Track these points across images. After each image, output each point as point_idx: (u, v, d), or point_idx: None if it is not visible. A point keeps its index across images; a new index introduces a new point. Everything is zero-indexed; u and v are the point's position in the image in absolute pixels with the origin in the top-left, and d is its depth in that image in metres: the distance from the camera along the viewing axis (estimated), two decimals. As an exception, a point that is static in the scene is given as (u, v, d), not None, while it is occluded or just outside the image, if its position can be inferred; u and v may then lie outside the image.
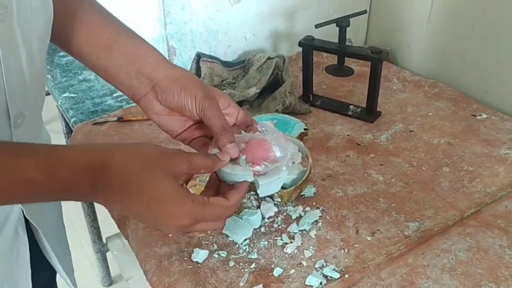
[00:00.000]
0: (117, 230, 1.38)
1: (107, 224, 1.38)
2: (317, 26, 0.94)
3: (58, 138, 1.22)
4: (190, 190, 0.49)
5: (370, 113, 0.96)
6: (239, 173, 0.53)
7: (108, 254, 1.59)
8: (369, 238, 0.68)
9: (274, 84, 1.00)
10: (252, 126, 0.59)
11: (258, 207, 0.73)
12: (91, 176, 0.42)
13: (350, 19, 0.97)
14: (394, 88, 1.09)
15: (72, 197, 0.44)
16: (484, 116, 0.96)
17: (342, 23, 0.94)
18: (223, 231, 0.69)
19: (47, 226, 0.62)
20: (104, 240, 1.56)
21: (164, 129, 0.59)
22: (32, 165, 0.40)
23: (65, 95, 1.06)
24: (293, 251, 0.66)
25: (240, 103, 0.95)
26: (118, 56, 0.57)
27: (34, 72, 0.51)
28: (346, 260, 0.65)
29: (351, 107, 0.99)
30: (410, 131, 0.93)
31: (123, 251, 1.56)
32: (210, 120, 0.54)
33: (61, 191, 0.42)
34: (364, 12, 1.01)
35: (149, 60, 0.57)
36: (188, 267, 0.64)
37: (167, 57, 0.64)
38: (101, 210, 1.37)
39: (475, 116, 0.97)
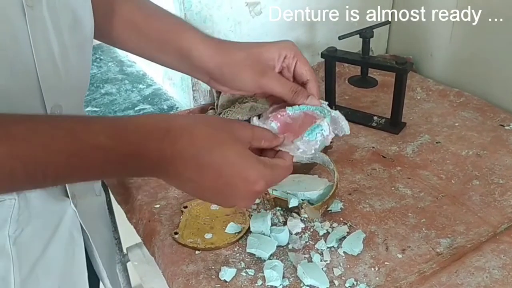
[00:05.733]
0: (138, 240, 1.38)
1: (128, 234, 1.38)
2: (340, 37, 0.93)
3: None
4: None
5: (394, 124, 0.95)
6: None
7: (129, 265, 1.60)
8: (399, 256, 0.67)
9: (296, 96, 0.99)
10: (308, 82, 0.56)
11: (285, 223, 0.72)
12: (157, 139, 0.40)
13: (373, 30, 0.95)
14: (418, 97, 1.07)
15: (140, 165, 0.41)
16: (513, 126, 0.94)
17: (365, 34, 0.93)
18: (247, 250, 0.68)
19: (97, 233, 0.63)
20: (124, 250, 1.57)
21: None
22: (100, 129, 0.40)
23: (88, 109, 1.07)
24: (322, 269, 0.65)
25: (260, 116, 0.95)
26: (172, 55, 0.59)
27: (68, 64, 0.51)
28: (377, 278, 0.63)
29: (375, 118, 0.98)
30: (436, 143, 0.91)
31: (144, 261, 1.56)
32: (274, 92, 0.55)
33: (129, 156, 0.40)
34: (388, 22, 0.99)
35: (195, 54, 0.57)
36: (216, 286, 0.63)
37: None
38: (122, 220, 1.38)
39: (503, 126, 0.95)
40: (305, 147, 0.50)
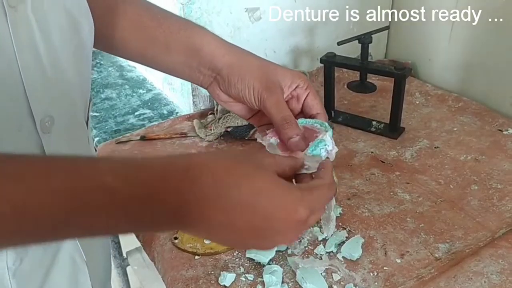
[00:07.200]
0: (137, 245, 1.39)
1: (127, 239, 1.38)
2: (339, 43, 0.94)
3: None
4: None
5: (393, 129, 0.95)
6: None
7: (128, 269, 1.60)
8: (398, 261, 0.67)
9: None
10: (317, 116, 0.54)
11: (284, 228, 0.73)
12: (175, 179, 0.35)
13: (372, 35, 0.96)
14: (417, 102, 1.08)
15: (156, 211, 0.35)
16: (511, 131, 0.94)
17: (364, 39, 0.93)
18: (247, 255, 0.68)
19: (94, 260, 0.58)
20: (124, 254, 1.57)
21: (235, 113, 0.59)
22: (107, 168, 0.34)
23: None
24: (321, 274, 0.65)
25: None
26: (178, 54, 0.56)
27: (59, 71, 0.47)
28: (376, 283, 0.64)
29: (374, 123, 0.98)
30: (435, 147, 0.91)
31: (143, 265, 1.56)
32: (270, 113, 0.51)
33: (142, 201, 0.34)
34: (386, 28, 1.00)
35: (207, 49, 0.55)
36: (216, 291, 0.64)
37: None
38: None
39: (501, 131, 0.95)
40: (311, 163, 0.47)
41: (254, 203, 0.36)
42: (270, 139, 0.51)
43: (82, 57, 0.52)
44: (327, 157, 0.50)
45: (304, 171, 0.46)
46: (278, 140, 0.51)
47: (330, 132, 0.51)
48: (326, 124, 0.52)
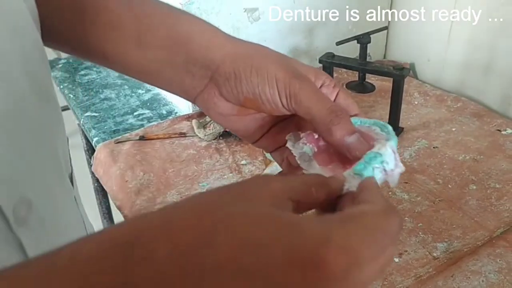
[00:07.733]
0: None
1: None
2: (338, 43, 0.94)
3: (78, 153, 1.23)
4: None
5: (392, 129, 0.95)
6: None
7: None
8: (396, 260, 0.67)
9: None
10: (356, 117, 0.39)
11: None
12: (114, 263, 0.21)
13: (370, 35, 0.96)
14: (416, 102, 1.08)
15: None
16: (509, 131, 0.95)
17: (363, 39, 0.93)
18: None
19: None
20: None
21: (237, 134, 0.42)
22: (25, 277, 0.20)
23: (87, 114, 1.08)
24: (319, 273, 0.65)
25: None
26: (155, 49, 0.40)
27: (18, 116, 0.32)
28: (374, 283, 0.64)
29: (373, 123, 0.98)
30: (434, 147, 0.91)
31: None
32: (308, 108, 0.35)
33: None
34: (385, 28, 1.00)
35: (198, 39, 0.39)
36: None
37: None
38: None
39: (499, 131, 0.95)
40: (354, 183, 0.30)
41: (240, 266, 0.21)
42: (303, 147, 0.36)
43: (49, 95, 0.37)
44: (385, 181, 0.33)
45: (344, 190, 0.30)
46: (316, 149, 0.36)
47: (393, 142, 0.34)
48: (390, 128, 0.36)
